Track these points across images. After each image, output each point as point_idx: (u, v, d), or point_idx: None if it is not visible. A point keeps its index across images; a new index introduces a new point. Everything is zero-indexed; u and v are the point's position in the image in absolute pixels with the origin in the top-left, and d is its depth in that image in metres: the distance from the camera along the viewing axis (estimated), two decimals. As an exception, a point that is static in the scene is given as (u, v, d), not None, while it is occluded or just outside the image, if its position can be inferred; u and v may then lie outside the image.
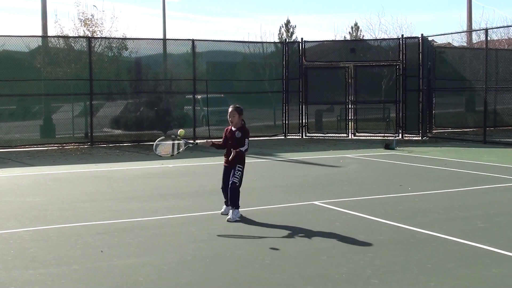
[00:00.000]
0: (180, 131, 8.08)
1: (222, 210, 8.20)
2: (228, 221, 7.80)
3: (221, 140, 8.23)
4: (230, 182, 7.91)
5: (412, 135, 20.95)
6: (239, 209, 7.99)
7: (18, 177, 12.23)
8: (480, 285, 5.30)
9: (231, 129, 8.06)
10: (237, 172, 7.90)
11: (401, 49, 20.97)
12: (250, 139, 8.10)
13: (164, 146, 8.13)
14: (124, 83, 19.85)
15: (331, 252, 6.33)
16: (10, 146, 17.71)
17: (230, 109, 8.04)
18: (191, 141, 8.25)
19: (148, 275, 5.59)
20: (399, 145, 17.97)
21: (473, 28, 32.44)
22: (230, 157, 7.86)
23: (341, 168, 13.23)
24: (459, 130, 22.45)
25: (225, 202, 8.17)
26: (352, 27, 42.85)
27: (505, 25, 29.75)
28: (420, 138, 20.68)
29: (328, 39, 25.74)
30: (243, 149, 7.88)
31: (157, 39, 22.72)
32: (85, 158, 15.66)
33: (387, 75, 21.41)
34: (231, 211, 7.90)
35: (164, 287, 5.32)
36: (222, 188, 8.15)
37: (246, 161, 8.09)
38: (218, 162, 14.86)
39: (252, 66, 22.25)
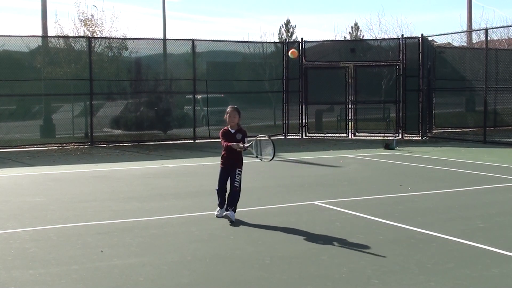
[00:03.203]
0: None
1: (217, 212, 8.00)
2: (223, 217, 7.72)
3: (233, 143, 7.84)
4: (231, 187, 7.81)
5: (412, 135, 20.95)
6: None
7: (18, 177, 12.23)
8: (480, 285, 5.30)
9: (229, 131, 7.91)
10: (237, 176, 7.82)
11: (401, 49, 20.97)
12: (250, 139, 8.08)
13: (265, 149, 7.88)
14: (124, 83, 19.85)
15: (331, 252, 6.33)
16: (10, 146, 17.71)
17: (230, 110, 7.90)
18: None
19: (148, 275, 5.59)
20: (399, 145, 17.97)
21: (473, 28, 32.44)
22: (240, 148, 7.66)
23: (341, 168, 13.23)
24: (459, 130, 22.43)
25: (218, 204, 8.00)
26: (352, 27, 42.77)
27: (505, 25, 29.71)
28: (420, 138, 20.68)
29: (328, 39, 25.71)
30: (247, 145, 7.76)
31: (157, 39, 22.73)
32: (85, 158, 15.66)
33: (387, 75, 21.41)
34: (229, 212, 7.72)
35: (164, 287, 5.32)
36: (217, 190, 7.98)
37: (245, 161, 8.08)
38: (218, 162, 14.87)
39: (252, 66, 22.24)
